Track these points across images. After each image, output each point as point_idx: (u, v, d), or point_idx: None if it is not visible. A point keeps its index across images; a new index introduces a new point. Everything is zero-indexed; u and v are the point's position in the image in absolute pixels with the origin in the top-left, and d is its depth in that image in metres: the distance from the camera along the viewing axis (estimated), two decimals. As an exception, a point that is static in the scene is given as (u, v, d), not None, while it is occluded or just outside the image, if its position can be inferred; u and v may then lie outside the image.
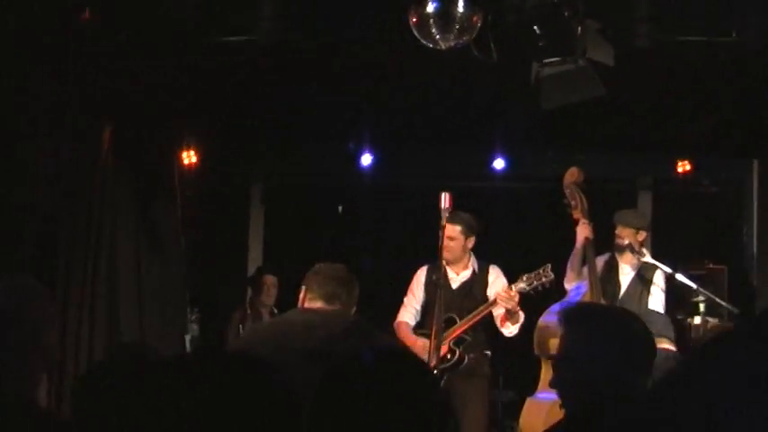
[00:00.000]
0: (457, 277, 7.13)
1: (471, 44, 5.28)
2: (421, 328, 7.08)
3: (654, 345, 3.07)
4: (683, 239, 9.96)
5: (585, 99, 5.70)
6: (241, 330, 8.37)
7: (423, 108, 8.33)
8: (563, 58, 5.54)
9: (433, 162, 9.71)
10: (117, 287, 7.11)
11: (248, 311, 8.66)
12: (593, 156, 9.48)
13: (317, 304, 4.19)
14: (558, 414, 3.33)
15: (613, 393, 2.86)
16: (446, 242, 6.65)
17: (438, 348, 6.21)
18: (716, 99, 7.93)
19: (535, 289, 6.76)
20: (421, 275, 7.26)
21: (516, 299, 6.73)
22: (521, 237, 9.71)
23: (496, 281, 7.12)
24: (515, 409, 7.42)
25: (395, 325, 7.26)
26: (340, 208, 10.41)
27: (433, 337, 6.24)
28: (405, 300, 7.28)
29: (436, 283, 6.29)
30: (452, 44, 5.28)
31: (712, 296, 7.58)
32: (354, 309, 4.30)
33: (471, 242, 7.09)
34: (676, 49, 6.76)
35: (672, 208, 10.19)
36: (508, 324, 6.93)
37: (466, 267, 7.15)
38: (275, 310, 8.53)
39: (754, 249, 9.52)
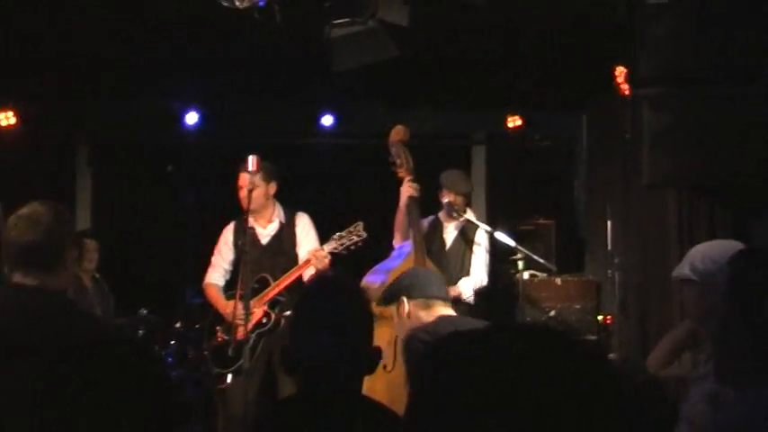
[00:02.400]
0: (264, 231, 6.94)
1: (253, 9, 5.10)
2: (232, 288, 6.89)
3: None
4: (516, 194, 10.06)
5: (378, 60, 5.59)
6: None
7: (249, 66, 8.18)
8: (352, 20, 5.41)
9: (260, 120, 9.53)
10: None
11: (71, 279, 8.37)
12: (426, 112, 9.47)
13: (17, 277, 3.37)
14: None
15: None
16: (243, 193, 6.59)
17: (247, 312, 6.08)
18: (545, 54, 7.95)
19: (347, 248, 6.66)
20: (227, 233, 7.06)
21: (327, 259, 6.63)
22: (350, 194, 9.65)
23: (305, 234, 7.00)
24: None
25: (204, 286, 7.10)
26: (170, 167, 10.15)
27: (238, 300, 6.14)
28: (212, 259, 7.08)
29: (242, 249, 6.12)
30: (250, 3, 5.10)
31: (530, 253, 7.65)
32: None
33: (273, 188, 6.91)
34: (505, 4, 6.74)
35: (505, 163, 10.26)
36: None
37: (271, 220, 6.97)
38: (97, 275, 8.27)
39: (583, 203, 9.64)
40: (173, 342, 7.79)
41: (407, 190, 7.05)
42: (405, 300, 4.34)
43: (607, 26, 6.97)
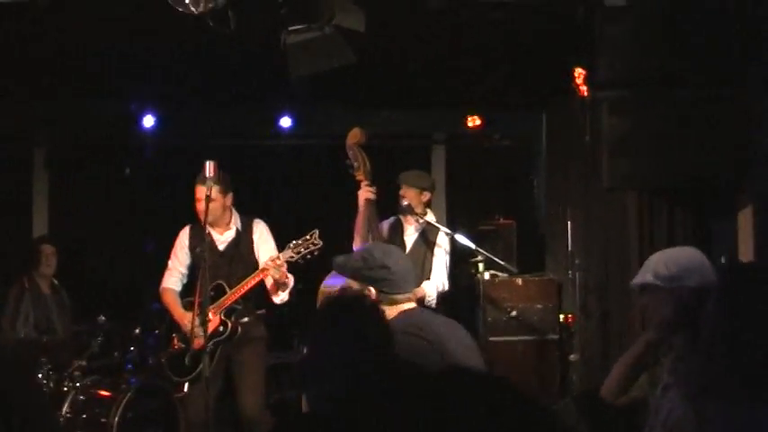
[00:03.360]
0: (221, 237, 6.89)
1: (207, 15, 5.03)
2: (188, 293, 6.84)
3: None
4: (476, 194, 10.07)
5: (334, 67, 5.54)
6: (21, 306, 7.99)
7: (206, 68, 8.10)
8: (308, 25, 5.36)
9: (218, 122, 9.47)
10: None
11: (26, 285, 8.26)
12: (386, 113, 9.46)
13: None
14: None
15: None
16: (200, 206, 6.52)
17: (205, 323, 6.03)
18: (503, 54, 7.94)
19: (303, 257, 6.62)
20: (183, 237, 6.99)
21: (284, 268, 6.57)
22: (309, 196, 9.62)
23: (262, 240, 6.94)
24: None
25: (160, 291, 7.01)
26: (127, 170, 10.04)
27: (195, 310, 6.09)
28: (169, 263, 7.00)
29: (200, 256, 6.05)
30: (205, 9, 5.03)
31: (489, 255, 7.66)
32: None
33: (230, 199, 6.85)
34: (463, 5, 6.71)
35: (465, 163, 10.26)
36: (279, 292, 6.79)
37: (228, 227, 6.91)
38: (55, 281, 8.18)
39: (543, 203, 9.65)
40: (132, 348, 7.70)
41: (364, 193, 7.02)
42: (372, 290, 4.29)
43: (566, 27, 6.96)
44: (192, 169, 6.58)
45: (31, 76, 8.28)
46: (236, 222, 6.94)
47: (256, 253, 6.91)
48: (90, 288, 9.08)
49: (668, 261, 3.61)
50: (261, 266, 6.69)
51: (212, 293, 6.58)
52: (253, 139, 9.47)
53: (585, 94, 6.94)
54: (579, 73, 7.13)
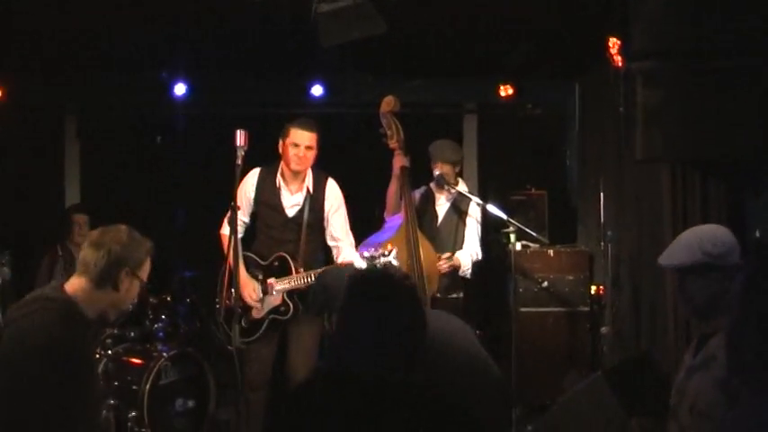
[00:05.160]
0: (291, 198, 6.78)
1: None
2: (248, 248, 6.75)
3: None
4: (508, 164, 10.02)
5: (365, 36, 5.49)
6: (53, 275, 8.05)
7: (238, 36, 8.07)
8: (339, -6, 5.32)
9: (249, 90, 9.44)
10: None
11: (60, 253, 8.33)
12: (418, 82, 9.41)
13: None
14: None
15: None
16: (304, 152, 6.62)
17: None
18: (535, 22, 7.86)
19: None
20: (251, 182, 6.84)
21: None
22: (341, 165, 9.59)
23: (333, 210, 6.84)
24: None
25: (220, 235, 6.86)
26: (158, 139, 10.07)
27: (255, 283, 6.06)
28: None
29: (231, 233, 5.90)
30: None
31: (522, 226, 7.63)
32: None
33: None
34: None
35: (497, 133, 10.20)
36: None
37: (301, 187, 6.81)
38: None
39: (575, 173, 9.59)
40: (163, 317, 7.73)
41: (399, 161, 7.00)
42: None
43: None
44: (222, 138, 6.54)
45: (61, 46, 8.29)
46: (309, 181, 6.84)
47: (326, 222, 6.83)
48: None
49: (713, 239, 3.55)
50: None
51: (276, 264, 6.58)
52: (284, 108, 9.44)
53: (620, 64, 6.86)
54: (614, 43, 7.04)
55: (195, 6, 7.29)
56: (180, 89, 9.43)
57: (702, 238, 3.58)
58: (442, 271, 7.11)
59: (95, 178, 10.15)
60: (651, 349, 6.68)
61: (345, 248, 6.78)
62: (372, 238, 6.78)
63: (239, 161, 5.90)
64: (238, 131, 5.90)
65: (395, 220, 7.01)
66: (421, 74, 9.43)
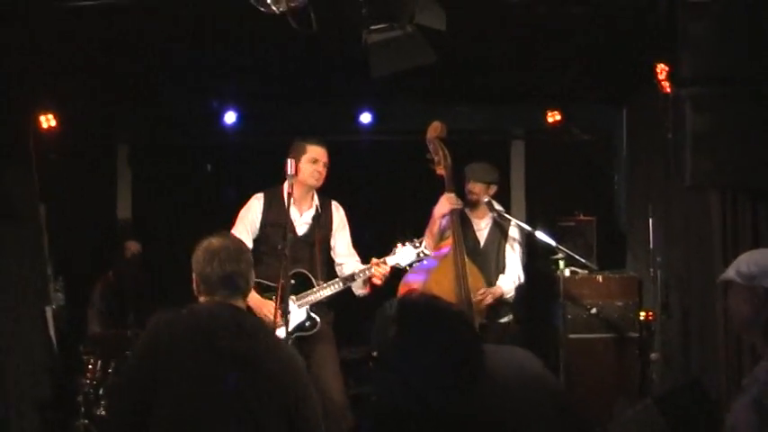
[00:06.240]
0: (300, 218, 6.78)
1: (289, 14, 5.05)
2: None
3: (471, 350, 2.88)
4: (556, 190, 10.01)
5: (415, 66, 5.53)
6: (105, 301, 8.17)
7: (286, 64, 8.17)
8: (390, 25, 5.35)
9: (299, 118, 9.53)
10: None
11: (112, 279, 8.44)
12: (465, 108, 9.45)
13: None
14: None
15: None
16: (323, 168, 6.65)
17: (287, 313, 5.95)
18: (583, 48, 7.88)
19: (410, 264, 6.59)
20: (256, 206, 6.82)
21: (387, 273, 6.54)
22: (388, 191, 9.65)
23: (341, 227, 6.88)
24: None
25: None
26: (209, 167, 10.19)
27: (278, 300, 6.05)
28: (232, 231, 6.60)
29: (282, 253, 5.95)
30: (286, 8, 5.06)
31: (570, 252, 7.63)
32: None
33: None
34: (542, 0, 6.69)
35: (544, 158, 10.20)
36: (364, 289, 6.73)
37: (310, 206, 6.82)
38: (139, 277, 8.33)
39: (624, 199, 9.56)
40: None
41: (449, 202, 7.01)
42: None
43: (648, 22, 6.89)
44: (272, 165, 6.62)
45: (114, 75, 8.42)
46: (316, 201, 6.87)
47: (333, 239, 6.86)
48: (174, 283, 9.21)
49: (750, 259, 3.64)
50: (362, 269, 6.61)
51: (293, 282, 6.55)
52: (333, 135, 9.52)
53: (668, 90, 6.86)
54: (661, 69, 7.05)
55: (245, 36, 7.38)
56: (230, 117, 9.55)
57: (743, 258, 3.68)
58: (485, 304, 7.06)
59: (147, 206, 10.27)
60: (701, 376, 6.64)
61: (351, 263, 6.78)
62: (421, 265, 6.81)
63: (290, 189, 5.95)
64: (289, 160, 5.96)
65: (441, 251, 7.04)
66: (468, 100, 9.46)
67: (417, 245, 6.59)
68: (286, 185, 6.39)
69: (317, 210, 6.83)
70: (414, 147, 7.77)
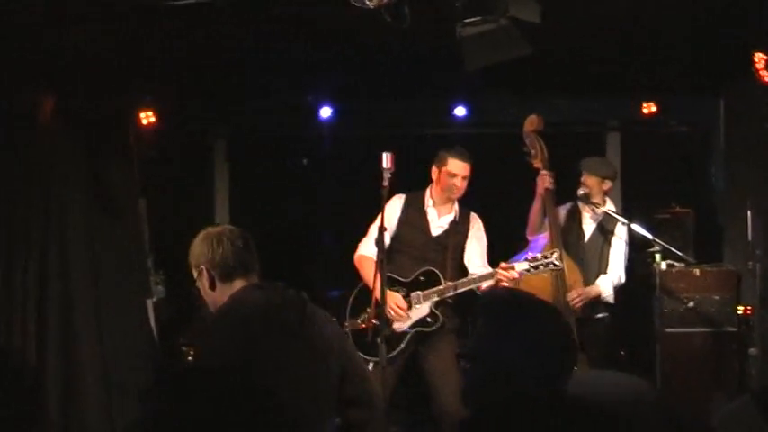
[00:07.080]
0: (438, 221, 6.86)
1: (383, 10, 5.10)
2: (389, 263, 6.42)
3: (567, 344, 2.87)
4: (651, 182, 9.90)
5: (510, 58, 5.52)
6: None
7: (381, 58, 8.21)
8: (484, 18, 5.36)
9: (393, 112, 9.58)
10: (67, 258, 7.00)
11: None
12: (559, 100, 9.40)
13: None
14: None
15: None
16: (461, 182, 6.74)
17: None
18: (680, 39, 7.79)
19: (537, 268, 6.58)
20: (396, 206, 6.87)
21: (514, 278, 6.54)
22: (484, 185, 9.63)
23: (477, 235, 6.93)
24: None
25: (356, 257, 6.84)
26: (305, 161, 10.32)
27: (401, 293, 6.26)
28: (370, 229, 6.73)
29: (381, 259, 5.97)
30: (380, 3, 5.11)
31: (667, 245, 7.54)
32: None
33: None
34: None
35: (640, 150, 10.10)
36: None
37: (450, 211, 6.90)
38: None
39: (721, 191, 9.42)
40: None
41: (543, 182, 7.01)
42: None
43: (745, 11, 6.80)
44: (368, 160, 6.65)
45: (211, 71, 8.57)
46: (456, 208, 6.94)
47: (467, 248, 6.89)
48: (268, 277, 9.33)
49: None
50: (490, 272, 6.62)
51: (422, 278, 6.65)
52: (428, 129, 9.56)
53: (766, 80, 6.76)
54: (760, 58, 6.95)
55: (340, 32, 7.45)
56: (326, 112, 9.66)
57: None
58: (576, 307, 6.97)
59: (244, 200, 10.43)
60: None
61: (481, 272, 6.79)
62: (517, 257, 6.82)
63: (386, 183, 6.00)
64: (384, 154, 5.99)
65: (539, 240, 7.03)
66: (563, 93, 9.41)
67: (548, 255, 6.57)
68: (428, 190, 6.74)
69: (455, 216, 6.90)
70: (508, 140, 7.78)
